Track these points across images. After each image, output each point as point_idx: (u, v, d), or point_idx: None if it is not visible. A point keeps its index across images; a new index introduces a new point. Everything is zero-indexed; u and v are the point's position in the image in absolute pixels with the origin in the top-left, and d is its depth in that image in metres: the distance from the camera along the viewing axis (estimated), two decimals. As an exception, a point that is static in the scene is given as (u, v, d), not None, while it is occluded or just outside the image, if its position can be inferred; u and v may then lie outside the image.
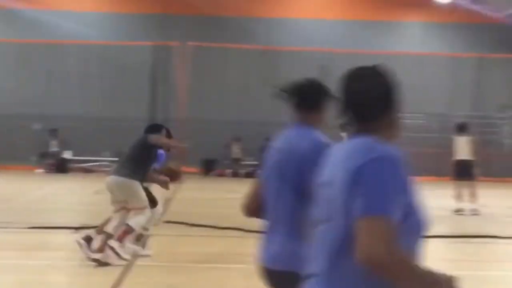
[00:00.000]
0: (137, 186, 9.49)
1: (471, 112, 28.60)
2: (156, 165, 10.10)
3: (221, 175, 27.71)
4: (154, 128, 10.05)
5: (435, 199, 18.15)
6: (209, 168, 28.31)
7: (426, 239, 2.76)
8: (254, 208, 3.92)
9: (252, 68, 29.51)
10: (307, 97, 3.78)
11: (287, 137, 3.83)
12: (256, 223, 4.17)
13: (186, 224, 12.88)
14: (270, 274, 3.80)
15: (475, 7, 29.53)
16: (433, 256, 11.13)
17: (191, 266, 9.38)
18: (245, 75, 29.45)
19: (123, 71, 28.92)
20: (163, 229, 12.16)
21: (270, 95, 4.05)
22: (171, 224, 12.81)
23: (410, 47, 29.71)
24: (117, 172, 9.59)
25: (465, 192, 15.92)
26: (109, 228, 9.42)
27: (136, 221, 9.42)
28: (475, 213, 15.69)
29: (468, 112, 28.43)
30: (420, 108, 28.18)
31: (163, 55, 28.22)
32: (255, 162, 25.38)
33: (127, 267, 8.99)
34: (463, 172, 15.77)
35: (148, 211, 9.57)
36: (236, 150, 28.39)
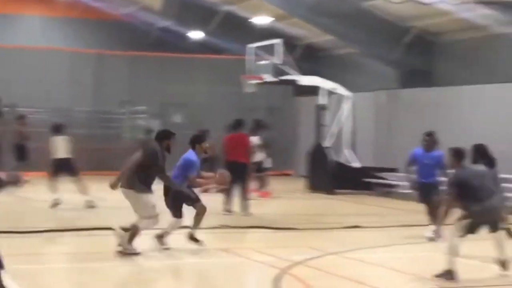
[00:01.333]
0: None
1: (92, 108, 29.01)
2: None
3: None
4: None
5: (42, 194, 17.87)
6: None
7: None
8: None
9: None
10: None
11: None
12: None
13: None
14: None
15: (95, 4, 30.00)
16: None
17: None
18: None
19: None
20: None
21: None
22: None
23: (29, 41, 29.22)
24: None
25: (76, 187, 16.80)
26: None
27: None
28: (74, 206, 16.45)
29: (90, 108, 28.82)
30: (42, 103, 27.87)
31: None
32: None
33: None
34: (61, 169, 16.78)
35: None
36: None
